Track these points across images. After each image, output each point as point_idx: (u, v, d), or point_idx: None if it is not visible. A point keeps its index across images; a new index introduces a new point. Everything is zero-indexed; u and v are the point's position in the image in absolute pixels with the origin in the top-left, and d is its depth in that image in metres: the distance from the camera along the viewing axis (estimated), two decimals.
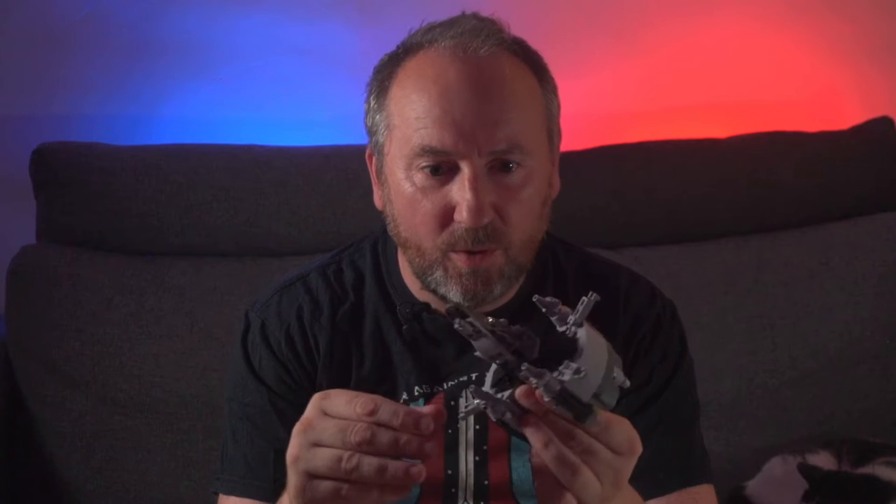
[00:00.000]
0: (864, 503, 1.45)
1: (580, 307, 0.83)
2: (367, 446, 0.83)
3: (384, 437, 0.83)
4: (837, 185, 1.84)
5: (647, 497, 1.07)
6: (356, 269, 1.17)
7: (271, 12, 1.92)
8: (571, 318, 0.83)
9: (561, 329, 0.83)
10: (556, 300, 0.83)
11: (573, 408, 0.81)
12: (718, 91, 1.99)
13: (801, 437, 1.69)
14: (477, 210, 1.00)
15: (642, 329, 1.13)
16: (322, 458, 0.84)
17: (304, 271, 1.18)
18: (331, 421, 0.85)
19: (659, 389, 1.12)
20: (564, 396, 0.80)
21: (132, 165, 1.76)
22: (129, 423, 1.69)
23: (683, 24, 1.99)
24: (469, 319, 0.84)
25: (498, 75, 1.03)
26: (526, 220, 1.05)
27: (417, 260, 1.06)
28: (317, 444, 0.85)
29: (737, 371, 1.74)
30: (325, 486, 0.85)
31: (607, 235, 1.78)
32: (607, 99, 1.99)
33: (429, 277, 1.06)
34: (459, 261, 1.03)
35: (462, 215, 1.01)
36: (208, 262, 1.75)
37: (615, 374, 0.82)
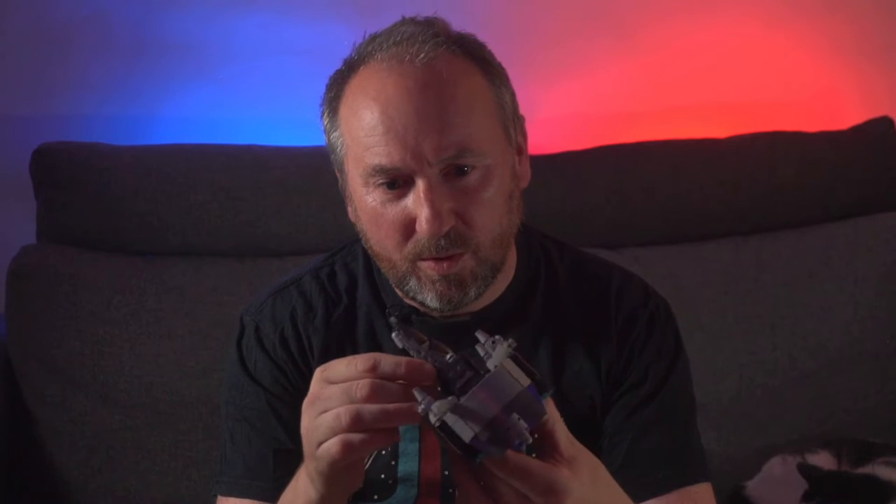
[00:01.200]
0: (864, 503, 1.45)
1: (497, 351, 0.82)
2: (373, 400, 0.83)
3: (390, 388, 0.84)
4: (837, 185, 1.84)
5: (644, 497, 1.06)
6: (349, 271, 1.18)
7: (271, 12, 1.92)
8: (489, 359, 0.82)
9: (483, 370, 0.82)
10: (497, 338, 0.83)
11: (455, 444, 0.80)
12: (718, 91, 1.99)
13: (801, 437, 1.69)
14: (435, 220, 1.00)
15: (636, 328, 1.13)
16: (325, 422, 0.85)
17: (297, 275, 1.19)
18: (335, 387, 0.85)
19: (655, 388, 1.11)
20: (445, 430, 0.80)
21: (132, 165, 1.76)
22: (129, 423, 1.69)
23: (683, 24, 1.99)
24: (399, 336, 0.86)
25: (436, 81, 1.01)
26: (491, 220, 1.04)
27: (391, 271, 1.07)
28: (324, 412, 0.86)
29: (737, 371, 1.74)
30: (325, 447, 0.85)
31: (607, 235, 1.78)
32: (607, 99, 1.99)
33: (405, 287, 1.07)
34: (429, 268, 1.04)
35: (422, 227, 1.01)
36: (208, 262, 1.75)
37: (511, 424, 0.79)
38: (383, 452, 1.12)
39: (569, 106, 1.95)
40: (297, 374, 1.14)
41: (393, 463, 1.12)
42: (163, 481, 1.69)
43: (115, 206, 1.74)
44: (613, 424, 1.11)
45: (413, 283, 1.05)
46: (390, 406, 0.83)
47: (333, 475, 0.88)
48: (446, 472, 1.12)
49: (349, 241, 1.21)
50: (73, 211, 1.75)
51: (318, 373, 0.88)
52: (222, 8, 1.92)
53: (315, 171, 1.76)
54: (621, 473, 0.99)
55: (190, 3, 1.92)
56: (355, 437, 0.84)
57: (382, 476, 1.12)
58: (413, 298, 1.08)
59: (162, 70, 1.93)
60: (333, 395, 0.85)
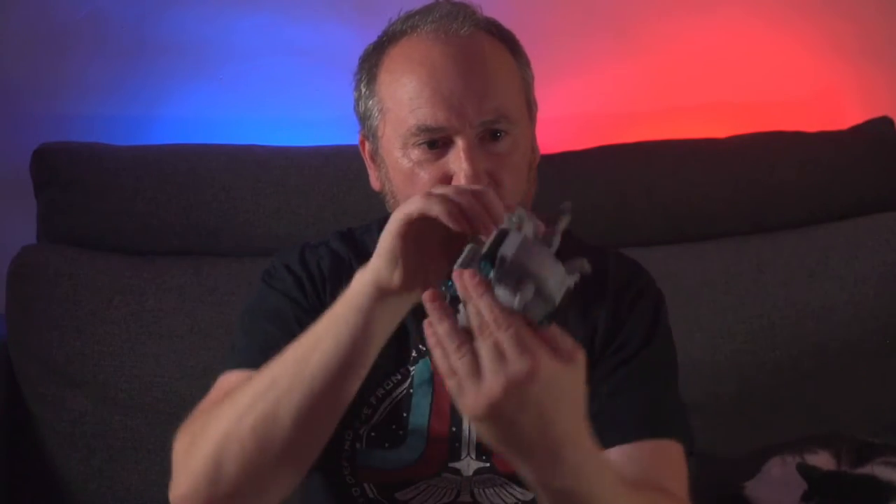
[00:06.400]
0: (864, 503, 1.45)
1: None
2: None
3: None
4: (837, 185, 1.84)
5: (610, 443, 1.09)
6: (365, 242, 1.24)
7: (271, 12, 1.92)
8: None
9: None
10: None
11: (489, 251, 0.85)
12: (718, 91, 1.99)
13: (800, 437, 1.69)
14: (474, 178, 1.06)
15: (627, 298, 1.19)
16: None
17: (324, 238, 1.25)
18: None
19: (634, 351, 1.16)
20: (498, 236, 0.85)
21: (132, 165, 1.76)
22: (129, 423, 1.69)
23: (684, 24, 1.99)
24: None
25: (478, 52, 1.11)
26: (517, 184, 1.12)
27: None
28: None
29: (737, 371, 1.74)
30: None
31: (607, 235, 1.78)
32: (607, 99, 1.99)
33: None
34: None
35: (460, 183, 1.07)
36: (208, 262, 1.75)
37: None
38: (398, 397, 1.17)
39: (569, 106, 1.95)
40: (321, 306, 1.13)
41: (405, 415, 1.17)
42: (163, 481, 1.66)
43: (115, 206, 1.75)
44: (591, 384, 1.13)
45: None
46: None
47: (399, 245, 0.95)
48: (453, 429, 1.17)
49: (365, 223, 1.27)
50: (73, 211, 1.75)
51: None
52: (222, 8, 1.92)
53: (315, 171, 1.76)
54: (591, 421, 1.02)
55: (190, 2, 1.92)
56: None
57: (394, 427, 1.17)
58: None
59: (162, 70, 1.93)
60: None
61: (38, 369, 1.70)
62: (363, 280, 0.99)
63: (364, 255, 1.19)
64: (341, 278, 1.18)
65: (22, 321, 1.72)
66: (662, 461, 1.11)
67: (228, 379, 1.15)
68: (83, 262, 1.74)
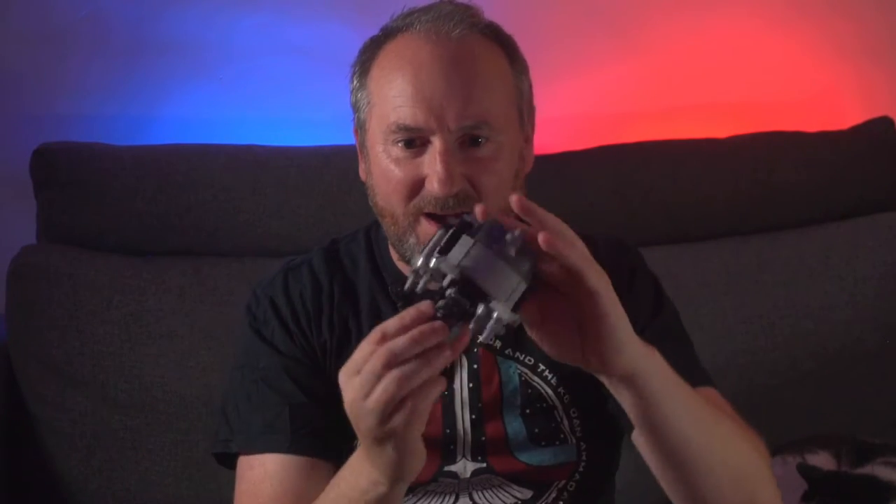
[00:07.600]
0: (864, 503, 1.45)
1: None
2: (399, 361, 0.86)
3: (403, 342, 0.85)
4: (837, 185, 1.84)
5: None
6: (351, 253, 1.25)
7: (271, 12, 1.92)
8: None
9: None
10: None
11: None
12: (718, 91, 1.99)
13: (801, 437, 1.69)
14: (447, 180, 1.07)
15: (620, 275, 1.17)
16: (373, 404, 0.86)
17: (307, 257, 1.26)
18: (360, 376, 0.87)
19: (650, 315, 1.19)
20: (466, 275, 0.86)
21: (132, 165, 1.76)
22: (129, 423, 1.69)
23: (683, 24, 1.98)
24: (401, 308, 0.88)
25: (467, 56, 1.10)
26: (497, 190, 1.10)
27: (392, 228, 1.14)
28: (366, 398, 0.87)
29: (737, 371, 1.74)
30: (397, 417, 0.87)
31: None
32: (607, 99, 1.99)
33: (404, 245, 1.13)
34: (430, 229, 1.10)
35: (433, 185, 1.08)
36: (208, 262, 1.75)
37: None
38: None
39: (569, 106, 1.95)
40: (308, 346, 1.19)
41: None
42: (163, 481, 1.69)
43: (115, 206, 1.75)
44: None
45: (412, 241, 1.12)
46: (416, 335, 0.85)
47: (403, 449, 0.91)
48: (447, 431, 1.17)
49: (352, 231, 1.29)
50: (73, 211, 1.75)
51: (343, 377, 0.89)
52: (222, 8, 1.92)
53: (315, 171, 1.76)
54: None
55: (189, 2, 1.92)
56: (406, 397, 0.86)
57: None
58: (409, 261, 1.13)
59: (161, 70, 1.93)
60: (364, 382, 0.86)
61: (38, 369, 1.70)
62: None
63: (343, 276, 1.23)
64: (322, 309, 1.20)
65: (22, 321, 1.72)
66: (713, 403, 1.12)
67: (250, 465, 1.15)
68: (83, 262, 1.74)
